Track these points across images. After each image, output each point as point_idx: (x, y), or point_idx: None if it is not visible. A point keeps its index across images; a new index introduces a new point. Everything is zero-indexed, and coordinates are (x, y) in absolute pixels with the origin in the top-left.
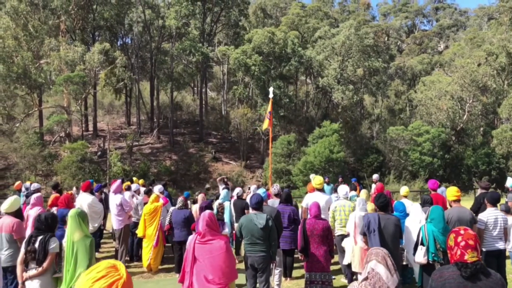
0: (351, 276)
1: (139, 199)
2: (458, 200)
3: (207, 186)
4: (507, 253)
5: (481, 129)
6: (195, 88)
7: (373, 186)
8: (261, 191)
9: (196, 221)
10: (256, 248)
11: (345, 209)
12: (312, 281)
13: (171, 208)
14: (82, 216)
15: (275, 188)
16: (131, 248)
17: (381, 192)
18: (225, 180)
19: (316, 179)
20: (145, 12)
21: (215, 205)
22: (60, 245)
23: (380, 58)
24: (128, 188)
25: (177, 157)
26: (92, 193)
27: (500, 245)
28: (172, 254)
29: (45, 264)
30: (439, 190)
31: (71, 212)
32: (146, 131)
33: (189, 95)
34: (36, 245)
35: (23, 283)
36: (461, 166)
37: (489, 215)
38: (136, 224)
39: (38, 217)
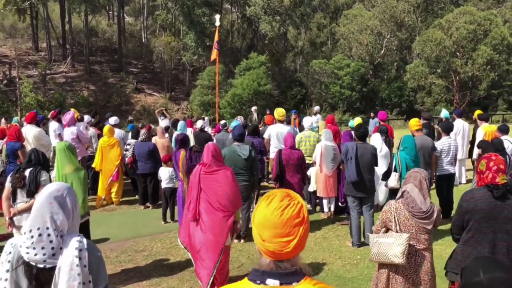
0: (315, 201)
1: (92, 131)
2: (420, 130)
3: (130, 118)
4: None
5: (395, 64)
6: (110, 13)
7: (314, 117)
8: (235, 123)
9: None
10: (239, 178)
11: (309, 140)
12: None
13: (131, 140)
14: (71, 149)
15: (238, 120)
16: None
17: (360, 123)
18: (164, 112)
19: (278, 111)
20: None
21: (174, 136)
22: (50, 179)
23: None
24: (81, 119)
25: (96, 87)
26: (37, 124)
27: (451, 169)
28: (130, 187)
29: (37, 196)
30: (372, 122)
31: (60, 145)
32: (58, 59)
33: (104, 20)
34: (27, 174)
35: (11, 218)
36: (376, 99)
37: (444, 143)
38: (90, 157)
39: (30, 151)
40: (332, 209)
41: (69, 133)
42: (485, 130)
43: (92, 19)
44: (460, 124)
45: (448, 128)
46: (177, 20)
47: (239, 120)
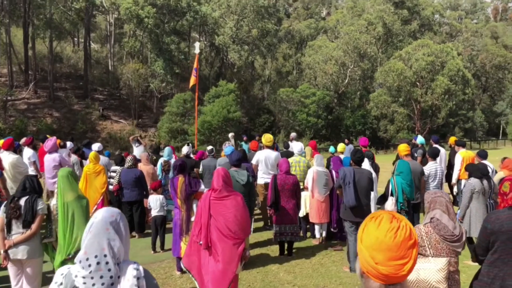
0: (306, 227)
1: (74, 158)
2: (409, 155)
3: (83, 144)
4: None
5: (358, 93)
6: (76, 39)
7: (291, 144)
8: (229, 149)
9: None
10: None
11: (300, 165)
12: (282, 232)
13: (115, 167)
14: (75, 176)
15: (226, 145)
16: None
17: (356, 148)
18: (139, 138)
19: (266, 136)
20: None
21: (159, 162)
22: (48, 207)
23: (272, 20)
24: (64, 145)
25: (60, 114)
26: (15, 151)
27: None
28: None
29: (34, 226)
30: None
31: (63, 172)
32: (20, 85)
33: (69, 46)
34: (22, 203)
35: (6, 251)
36: (341, 126)
37: (431, 167)
38: None
39: (25, 179)
40: (324, 234)
41: (51, 160)
42: (463, 156)
43: (57, 45)
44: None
45: (434, 154)
46: (145, 47)
47: (228, 145)
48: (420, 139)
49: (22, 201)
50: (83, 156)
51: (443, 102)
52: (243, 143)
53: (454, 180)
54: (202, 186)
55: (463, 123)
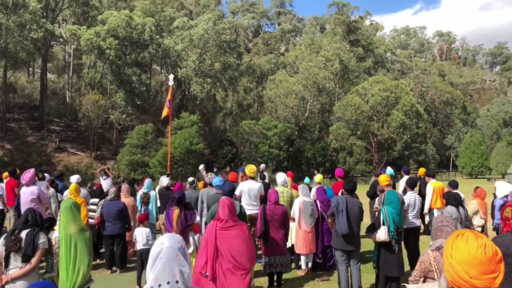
0: (290, 257)
1: (52, 190)
2: (389, 185)
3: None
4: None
5: (318, 125)
6: (31, 69)
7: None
8: (218, 179)
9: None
10: None
11: (283, 195)
12: (271, 264)
13: (94, 200)
14: (78, 208)
15: (210, 177)
16: None
17: (349, 178)
18: (106, 171)
19: (249, 167)
20: None
21: (139, 194)
22: (49, 240)
23: (234, 54)
24: (43, 178)
25: (12, 146)
26: None
27: (417, 222)
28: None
29: (34, 260)
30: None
31: (66, 203)
32: None
33: (24, 77)
34: (23, 236)
35: (3, 287)
36: (301, 158)
37: (410, 197)
38: (49, 219)
39: (27, 211)
40: (310, 265)
41: (29, 193)
42: (434, 186)
43: (12, 75)
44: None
45: (413, 184)
46: (105, 78)
47: (211, 176)
48: (389, 171)
49: (23, 234)
50: (56, 189)
51: (398, 136)
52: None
53: (426, 210)
54: (198, 218)
55: (417, 156)
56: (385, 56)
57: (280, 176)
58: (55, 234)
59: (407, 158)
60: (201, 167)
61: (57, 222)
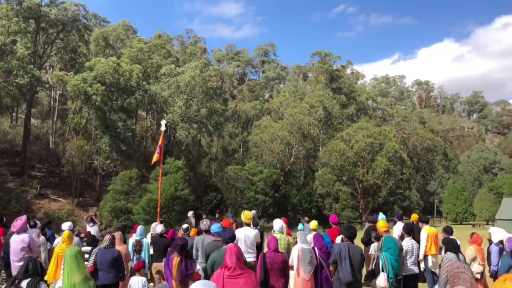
0: None
1: (42, 238)
2: (387, 231)
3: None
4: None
5: (303, 171)
6: (14, 114)
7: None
8: (217, 226)
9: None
10: None
11: (281, 242)
12: None
13: (86, 248)
14: (82, 256)
15: (205, 224)
16: None
17: (349, 224)
18: (93, 217)
19: (246, 214)
20: None
21: (131, 242)
22: None
23: (220, 100)
24: (34, 225)
25: None
26: None
27: (415, 269)
28: None
29: None
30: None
31: (71, 251)
32: None
33: (7, 121)
34: (23, 286)
35: None
36: (287, 204)
37: (407, 244)
38: None
39: (28, 260)
40: None
41: (19, 241)
42: (428, 232)
43: None
44: (401, 227)
45: (409, 230)
46: (89, 124)
47: (206, 223)
48: (381, 217)
49: (24, 284)
50: (45, 237)
51: (384, 182)
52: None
53: (421, 256)
54: (198, 266)
55: (401, 202)
56: (367, 103)
57: (277, 223)
58: (58, 284)
59: (392, 204)
60: (190, 213)
61: (61, 272)
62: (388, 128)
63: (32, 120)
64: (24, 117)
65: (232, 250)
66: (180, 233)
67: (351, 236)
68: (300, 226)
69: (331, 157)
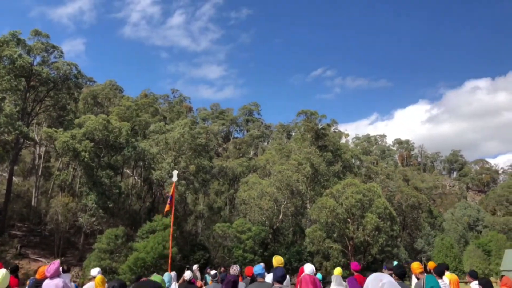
0: None
1: (74, 285)
2: (422, 272)
3: None
4: None
5: (291, 228)
6: None
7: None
8: (259, 267)
9: None
10: None
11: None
12: None
13: None
14: None
15: (235, 269)
16: None
17: (399, 263)
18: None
19: (277, 258)
20: None
21: None
22: None
23: (207, 157)
24: (68, 270)
25: None
26: None
27: None
28: None
29: None
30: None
31: None
32: None
33: None
34: None
35: None
36: None
37: (441, 285)
38: None
39: None
40: None
41: (53, 286)
42: (449, 278)
43: None
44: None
45: (441, 272)
46: (75, 180)
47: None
48: (396, 263)
49: None
50: None
51: (374, 239)
52: (206, 275)
53: None
54: None
55: (390, 260)
56: (351, 161)
57: (308, 267)
58: None
59: (380, 263)
60: (195, 267)
61: None
62: (376, 185)
63: (13, 178)
64: (5, 174)
65: (308, 280)
66: (210, 281)
67: (401, 274)
68: (318, 275)
69: (321, 213)
